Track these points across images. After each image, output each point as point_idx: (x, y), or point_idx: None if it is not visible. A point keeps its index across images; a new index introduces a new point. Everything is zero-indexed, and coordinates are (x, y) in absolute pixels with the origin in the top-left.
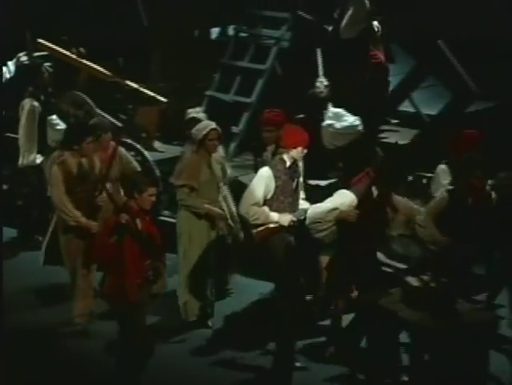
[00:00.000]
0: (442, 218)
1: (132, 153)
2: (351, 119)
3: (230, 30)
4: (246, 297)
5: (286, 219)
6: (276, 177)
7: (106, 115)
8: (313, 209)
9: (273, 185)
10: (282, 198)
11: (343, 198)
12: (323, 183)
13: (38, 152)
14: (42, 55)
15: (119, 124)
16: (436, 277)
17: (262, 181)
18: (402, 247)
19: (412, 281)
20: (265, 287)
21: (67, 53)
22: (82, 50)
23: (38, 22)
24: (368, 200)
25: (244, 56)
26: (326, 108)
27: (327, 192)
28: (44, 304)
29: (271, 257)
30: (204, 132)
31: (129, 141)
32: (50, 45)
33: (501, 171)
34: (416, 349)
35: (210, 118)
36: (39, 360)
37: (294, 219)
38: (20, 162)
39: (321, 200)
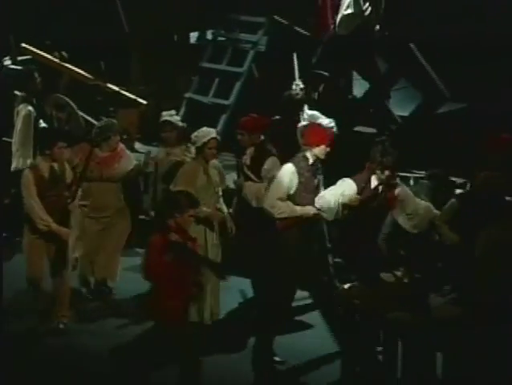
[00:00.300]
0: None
1: None
2: (325, 121)
3: (209, 35)
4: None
5: (309, 210)
6: (299, 174)
7: (88, 117)
8: (318, 198)
9: (296, 181)
10: (304, 194)
11: (345, 185)
12: None
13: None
14: (27, 59)
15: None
16: (410, 272)
17: (287, 177)
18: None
19: (386, 276)
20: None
21: (50, 57)
22: (64, 54)
23: (21, 27)
24: (368, 191)
25: (222, 59)
26: (302, 110)
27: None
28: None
29: (286, 247)
30: (204, 140)
31: None
32: (33, 49)
33: (473, 170)
34: (391, 344)
35: (189, 120)
36: (39, 361)
37: (317, 211)
38: (15, 165)
39: None
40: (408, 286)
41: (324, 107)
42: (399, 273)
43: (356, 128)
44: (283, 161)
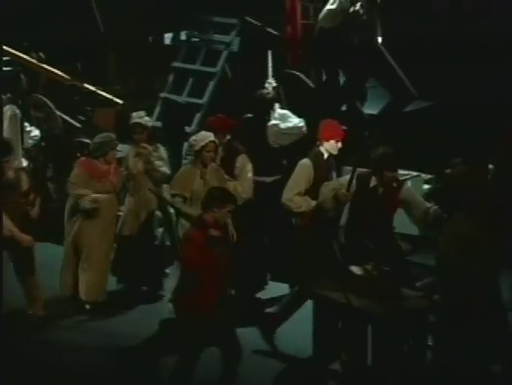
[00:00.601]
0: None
1: None
2: (295, 121)
3: (183, 36)
4: None
5: (327, 204)
6: (315, 168)
7: (65, 117)
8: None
9: (312, 176)
10: (318, 188)
11: (341, 179)
12: (268, 179)
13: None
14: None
15: (78, 125)
16: (378, 265)
17: (304, 172)
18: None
19: (356, 270)
20: None
21: (28, 58)
22: (41, 55)
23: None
24: (366, 189)
25: (196, 60)
26: (272, 109)
27: (272, 188)
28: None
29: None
30: (202, 144)
31: (88, 141)
32: (11, 50)
33: (438, 167)
34: (361, 336)
35: (164, 119)
36: (38, 360)
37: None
38: None
39: (266, 195)
40: (377, 279)
41: (295, 107)
42: (368, 267)
43: None
44: (253, 159)
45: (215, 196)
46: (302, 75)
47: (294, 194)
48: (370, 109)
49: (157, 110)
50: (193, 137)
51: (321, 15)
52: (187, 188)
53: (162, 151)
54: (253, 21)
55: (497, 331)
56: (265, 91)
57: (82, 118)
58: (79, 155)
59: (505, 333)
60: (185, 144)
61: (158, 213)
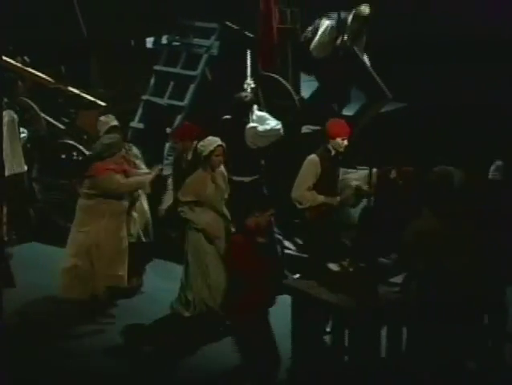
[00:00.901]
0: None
1: (75, 153)
2: (273, 123)
3: (164, 40)
4: None
5: (333, 200)
6: (322, 164)
7: (49, 119)
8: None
9: (319, 171)
10: (326, 184)
11: (361, 172)
12: (246, 179)
13: None
14: None
15: (62, 127)
16: (355, 262)
17: (311, 168)
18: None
19: (333, 266)
20: None
21: (14, 62)
22: (26, 58)
23: None
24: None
25: (177, 63)
26: (251, 111)
27: (250, 188)
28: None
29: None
30: (211, 148)
31: (71, 142)
32: None
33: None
34: (338, 331)
35: (146, 121)
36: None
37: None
38: (9, 171)
39: (244, 195)
40: (354, 275)
41: (273, 109)
42: (344, 263)
43: (304, 128)
44: (232, 159)
45: (257, 201)
46: (280, 78)
47: (304, 190)
48: (346, 110)
49: (139, 112)
50: (201, 143)
51: (312, 46)
52: (201, 193)
53: (136, 150)
54: (232, 25)
55: (470, 331)
56: (243, 93)
57: (66, 120)
58: (63, 156)
59: (478, 333)
60: (167, 145)
61: (134, 214)
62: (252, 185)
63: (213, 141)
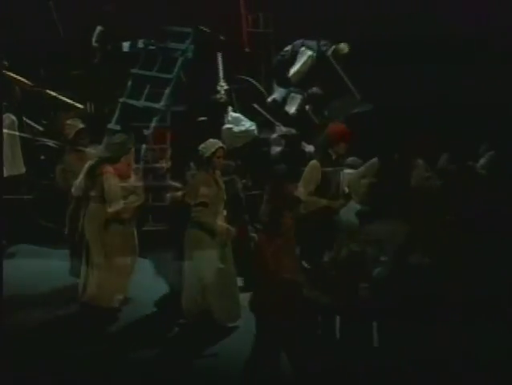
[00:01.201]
0: None
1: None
2: (247, 124)
3: (140, 44)
4: None
5: (335, 203)
6: (323, 169)
7: (29, 121)
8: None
9: (320, 176)
10: (327, 188)
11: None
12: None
13: None
14: None
15: (41, 128)
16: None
17: (313, 172)
18: None
19: (305, 263)
20: None
21: None
22: (5, 62)
23: None
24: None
25: (153, 66)
26: (226, 112)
27: (226, 187)
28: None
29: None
30: (212, 150)
31: (51, 143)
32: None
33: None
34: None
35: (123, 122)
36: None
37: (343, 203)
38: (8, 173)
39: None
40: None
41: (247, 110)
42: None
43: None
44: None
45: (287, 200)
46: (254, 82)
47: (307, 194)
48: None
49: (117, 114)
50: (202, 145)
51: (292, 73)
52: (209, 194)
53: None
54: (206, 29)
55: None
56: (218, 95)
57: (45, 122)
58: (42, 157)
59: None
60: (143, 146)
61: None
62: (228, 184)
63: (214, 143)
